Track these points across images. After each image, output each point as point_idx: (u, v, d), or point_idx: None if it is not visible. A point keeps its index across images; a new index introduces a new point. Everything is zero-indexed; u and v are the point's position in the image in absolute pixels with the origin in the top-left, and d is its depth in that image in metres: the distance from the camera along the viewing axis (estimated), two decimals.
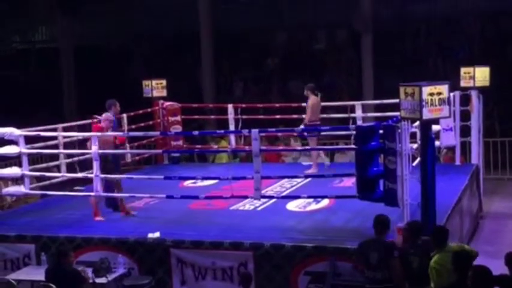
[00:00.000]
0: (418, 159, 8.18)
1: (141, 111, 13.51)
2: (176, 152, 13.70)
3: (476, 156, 12.44)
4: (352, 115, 12.86)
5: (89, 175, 10.03)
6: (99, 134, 9.82)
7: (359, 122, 12.48)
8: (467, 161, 12.93)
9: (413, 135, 8.63)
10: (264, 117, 13.80)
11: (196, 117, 14.70)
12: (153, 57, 21.69)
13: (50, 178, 10.84)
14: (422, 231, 7.26)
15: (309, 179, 10.67)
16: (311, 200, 9.83)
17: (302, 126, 11.93)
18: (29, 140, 10.39)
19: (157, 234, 8.64)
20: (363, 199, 8.46)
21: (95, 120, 10.62)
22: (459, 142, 12.30)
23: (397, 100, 7.96)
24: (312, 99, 12.06)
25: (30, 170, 10.38)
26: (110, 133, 9.79)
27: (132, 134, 11.83)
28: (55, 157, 11.54)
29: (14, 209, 11.54)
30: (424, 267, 6.99)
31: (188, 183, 11.58)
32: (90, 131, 10.46)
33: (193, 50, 19.85)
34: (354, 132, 8.99)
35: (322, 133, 12.68)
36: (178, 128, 13.69)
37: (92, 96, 18.48)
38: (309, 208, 9.78)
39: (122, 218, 9.82)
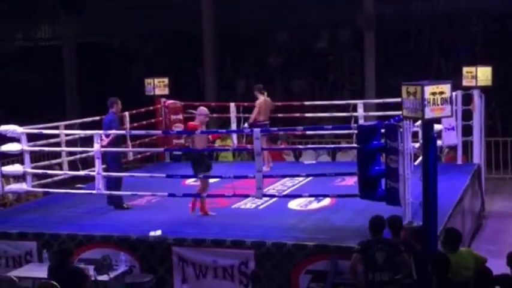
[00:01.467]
0: (420, 158, 8.17)
1: (143, 109, 13.52)
2: (178, 151, 13.70)
3: (478, 155, 12.45)
4: (354, 114, 12.86)
5: (91, 173, 10.04)
6: (101, 132, 9.82)
7: (361, 121, 12.48)
8: (469, 161, 12.93)
9: (415, 135, 8.62)
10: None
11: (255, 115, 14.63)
12: (155, 55, 21.71)
13: (52, 176, 10.85)
14: (383, 226, 7.24)
15: (310, 178, 10.67)
16: (312, 198, 9.84)
17: (246, 125, 12.14)
18: (31, 137, 10.41)
19: (159, 232, 8.65)
20: (365, 198, 8.47)
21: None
22: (461, 141, 12.29)
23: (399, 99, 7.94)
24: (260, 100, 12.34)
25: (32, 168, 10.39)
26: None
27: (134, 132, 11.83)
28: (57, 155, 11.55)
29: (15, 206, 11.56)
30: (390, 262, 6.95)
31: (190, 181, 11.59)
32: (92, 128, 10.45)
33: (195, 48, 19.86)
34: (356, 131, 9.00)
35: (325, 132, 12.72)
36: (180, 127, 13.69)
37: (94, 94, 18.52)
38: (310, 207, 9.79)
39: (123, 215, 9.83)
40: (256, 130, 8.86)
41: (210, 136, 9.65)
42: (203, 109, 9.70)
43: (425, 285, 7.07)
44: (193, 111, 9.69)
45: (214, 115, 15.73)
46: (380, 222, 7.25)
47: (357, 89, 19.18)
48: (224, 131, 13.29)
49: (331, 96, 16.24)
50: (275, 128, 11.61)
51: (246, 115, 13.27)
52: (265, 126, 12.12)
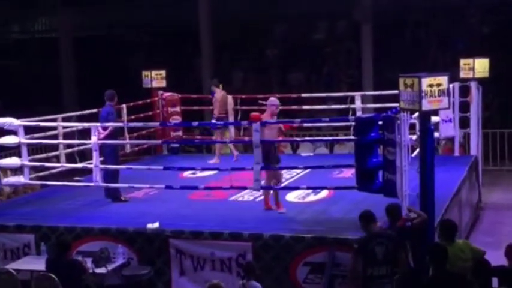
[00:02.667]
0: (417, 150, 8.18)
1: (140, 102, 13.51)
2: (175, 143, 13.71)
3: (475, 147, 12.46)
4: (352, 106, 12.86)
5: (89, 165, 10.04)
6: (98, 124, 9.81)
7: (358, 113, 12.49)
8: (467, 152, 12.94)
9: (412, 127, 8.63)
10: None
11: (195, 108, 14.69)
12: (152, 47, 21.66)
13: (49, 168, 10.85)
14: (373, 219, 7.22)
15: (308, 170, 10.67)
16: (310, 190, 9.86)
17: (214, 120, 12.40)
18: (28, 130, 10.39)
19: (156, 225, 8.66)
20: (362, 190, 8.47)
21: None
22: (458, 133, 12.31)
23: (396, 91, 7.96)
24: (217, 94, 12.54)
25: (30, 161, 10.39)
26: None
27: (131, 124, 11.82)
28: (55, 147, 11.54)
29: (13, 199, 11.55)
30: (390, 255, 6.93)
31: (188, 173, 11.60)
32: (89, 121, 10.44)
33: (192, 40, 19.82)
34: (354, 123, 9.00)
35: (322, 124, 12.75)
36: (177, 119, 13.70)
37: (91, 86, 18.48)
38: (308, 199, 9.80)
39: (121, 208, 9.83)
40: (256, 123, 8.83)
41: (282, 127, 9.35)
42: (274, 100, 9.45)
43: (421, 273, 7.10)
44: (264, 102, 9.42)
45: (211, 107, 15.75)
46: (370, 216, 7.21)
47: (354, 81, 19.17)
48: (221, 123, 13.27)
49: (329, 89, 16.21)
50: (273, 120, 11.59)
51: (244, 107, 13.27)
52: (222, 119, 12.39)
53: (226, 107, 12.65)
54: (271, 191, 9.30)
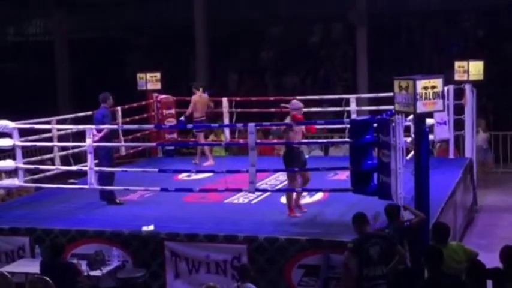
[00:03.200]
0: (412, 152, 8.20)
1: (135, 104, 13.50)
2: (170, 145, 13.69)
3: (470, 150, 12.48)
4: (347, 108, 12.87)
5: (83, 168, 10.02)
6: (93, 126, 9.80)
7: (353, 116, 12.50)
8: (461, 155, 12.96)
9: (407, 129, 8.64)
10: (259, 110, 13.80)
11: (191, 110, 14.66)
12: (147, 50, 21.65)
13: (44, 171, 10.82)
14: (366, 220, 7.22)
15: None
16: (305, 193, 9.85)
17: (182, 118, 12.54)
18: (23, 132, 10.37)
19: (151, 227, 8.65)
20: (357, 192, 8.48)
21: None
22: (453, 136, 12.33)
23: (391, 94, 7.97)
24: (196, 96, 12.61)
25: (24, 163, 10.36)
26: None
27: (126, 126, 11.82)
28: (49, 150, 11.52)
29: (8, 201, 11.52)
30: (385, 256, 6.94)
31: (183, 176, 11.58)
32: (84, 123, 10.42)
33: (187, 42, 19.82)
34: (348, 125, 9.00)
35: (317, 126, 12.70)
36: (172, 121, 13.69)
37: (86, 89, 18.45)
38: (303, 201, 9.78)
39: (116, 210, 9.82)
40: (251, 125, 8.80)
41: (304, 129, 9.16)
42: (297, 103, 9.30)
43: (418, 273, 7.11)
44: (286, 105, 9.31)
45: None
46: (363, 218, 7.21)
47: (349, 83, 19.19)
48: (216, 125, 13.29)
49: (324, 91, 16.22)
50: (268, 123, 11.60)
51: (239, 110, 13.28)
52: (201, 122, 12.48)
53: (205, 109, 12.71)
54: (294, 195, 9.13)
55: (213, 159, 12.73)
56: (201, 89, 12.79)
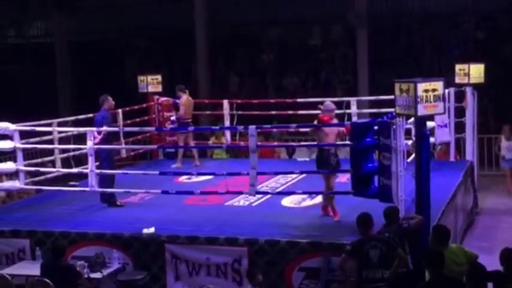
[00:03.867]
0: (413, 155, 8.20)
1: (136, 107, 13.51)
2: (171, 148, 13.70)
3: (470, 152, 12.48)
4: (347, 111, 12.85)
5: (84, 170, 10.02)
6: (94, 129, 9.81)
7: (354, 118, 12.49)
8: (462, 158, 12.96)
9: (408, 132, 8.64)
10: (259, 113, 13.81)
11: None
12: (148, 52, 21.68)
13: (44, 173, 10.82)
14: (372, 222, 7.18)
15: (303, 175, 10.68)
16: (306, 196, 9.86)
17: (173, 118, 12.62)
18: (23, 135, 10.37)
19: (152, 230, 8.65)
20: (358, 195, 8.48)
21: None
22: (454, 138, 12.33)
23: (392, 96, 7.98)
24: (183, 99, 12.61)
25: (25, 165, 10.36)
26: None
27: (127, 129, 11.83)
28: (50, 152, 11.52)
29: (8, 204, 11.53)
30: (385, 259, 6.92)
31: (183, 178, 11.60)
32: (85, 126, 10.43)
33: (188, 45, 19.84)
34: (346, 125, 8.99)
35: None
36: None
37: (86, 91, 18.48)
38: (303, 204, 9.80)
39: (116, 213, 9.82)
40: (252, 127, 8.80)
41: (341, 130, 8.96)
42: (330, 104, 9.19)
43: (419, 275, 7.11)
44: (320, 107, 9.20)
45: (207, 112, 15.78)
46: (368, 219, 7.20)
47: (349, 86, 19.20)
48: (217, 128, 13.30)
49: (324, 93, 16.22)
50: (268, 126, 11.61)
51: (240, 112, 13.29)
52: (188, 124, 12.49)
53: (190, 112, 12.74)
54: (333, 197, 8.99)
55: (180, 162, 12.66)
56: (187, 92, 12.80)
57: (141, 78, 13.89)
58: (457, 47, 19.18)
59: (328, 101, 9.43)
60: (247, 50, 21.15)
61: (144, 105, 13.78)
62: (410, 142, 8.62)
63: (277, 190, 10.57)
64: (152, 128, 12.86)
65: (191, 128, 11.92)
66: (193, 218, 9.31)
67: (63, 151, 11.38)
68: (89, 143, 9.58)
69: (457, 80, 12.26)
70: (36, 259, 8.59)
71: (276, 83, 20.47)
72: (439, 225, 7.70)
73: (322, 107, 9.15)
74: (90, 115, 11.44)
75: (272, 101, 14.48)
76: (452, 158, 12.55)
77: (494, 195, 13.58)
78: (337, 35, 20.59)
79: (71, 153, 11.43)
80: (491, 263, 7.14)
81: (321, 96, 12.80)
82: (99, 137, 9.86)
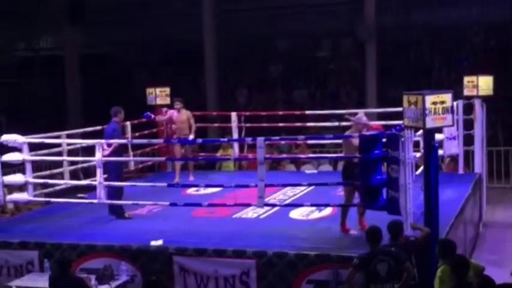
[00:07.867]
0: (421, 168, 8.18)
1: (144, 119, 13.53)
2: (179, 160, 13.71)
3: (479, 165, 12.44)
4: None
5: (93, 182, 10.04)
6: (102, 141, 9.83)
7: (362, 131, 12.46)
8: (471, 170, 12.92)
9: (416, 144, 8.62)
10: (268, 125, 13.81)
11: (199, 125, 14.72)
12: (157, 65, 21.76)
13: (53, 185, 10.85)
14: (381, 236, 7.15)
15: (312, 187, 10.67)
16: (314, 208, 9.84)
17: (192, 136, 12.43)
18: (32, 147, 10.42)
19: (160, 242, 8.64)
20: (366, 207, 8.47)
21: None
22: (462, 151, 12.29)
23: (400, 109, 7.97)
24: (174, 114, 12.64)
25: (34, 177, 10.40)
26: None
27: (135, 141, 11.85)
28: (59, 164, 11.56)
29: (17, 215, 11.55)
30: (393, 273, 6.90)
31: (191, 190, 11.60)
32: (93, 138, 10.45)
33: (197, 58, 19.90)
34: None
35: (326, 141, 12.73)
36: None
37: (96, 104, 18.55)
38: (312, 216, 9.78)
39: (125, 225, 9.83)
40: (260, 139, 8.80)
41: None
42: (363, 116, 9.07)
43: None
44: (352, 118, 9.03)
45: (215, 124, 15.80)
46: (377, 233, 7.19)
47: (358, 98, 19.20)
48: (225, 140, 13.31)
49: (332, 106, 16.25)
50: (277, 138, 11.61)
51: (248, 124, 13.30)
52: (186, 136, 12.48)
53: (187, 126, 12.69)
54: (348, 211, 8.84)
55: (178, 177, 12.49)
56: (179, 105, 12.70)
57: (149, 90, 13.93)
58: (465, 59, 19.17)
59: (361, 113, 9.29)
60: (255, 62, 21.19)
61: (152, 117, 13.80)
62: (418, 154, 8.59)
63: (285, 202, 10.56)
64: (160, 140, 12.87)
65: (199, 141, 11.91)
66: (201, 230, 9.31)
67: (72, 163, 11.41)
68: (98, 155, 9.60)
69: (466, 92, 12.24)
70: (45, 271, 8.59)
71: (285, 95, 20.49)
72: (444, 239, 7.66)
73: (353, 119, 9.03)
74: (98, 128, 11.47)
75: (280, 113, 14.46)
76: (461, 171, 12.51)
77: (503, 208, 13.52)
78: (346, 48, 20.63)
79: (80, 165, 11.45)
80: (501, 276, 7.10)
81: (329, 108, 12.81)
82: (109, 149, 9.88)
